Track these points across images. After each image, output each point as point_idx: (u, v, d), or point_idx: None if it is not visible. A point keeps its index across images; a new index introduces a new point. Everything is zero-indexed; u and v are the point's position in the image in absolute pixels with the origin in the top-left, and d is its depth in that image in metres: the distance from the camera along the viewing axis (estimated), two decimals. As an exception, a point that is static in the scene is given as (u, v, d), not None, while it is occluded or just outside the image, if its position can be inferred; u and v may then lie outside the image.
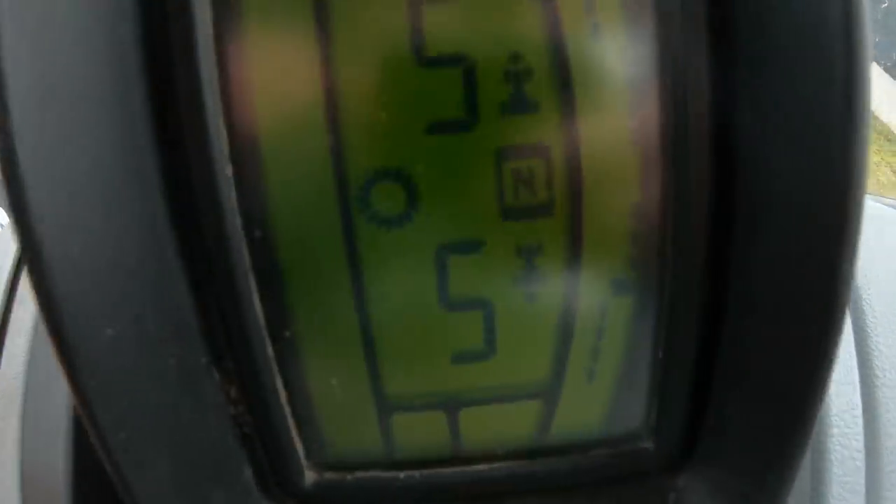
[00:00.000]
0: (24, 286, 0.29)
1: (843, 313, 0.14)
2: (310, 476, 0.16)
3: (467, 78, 0.13)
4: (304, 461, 0.16)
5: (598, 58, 0.13)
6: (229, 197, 0.13)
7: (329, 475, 0.16)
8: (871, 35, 0.13)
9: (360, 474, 0.16)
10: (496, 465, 0.16)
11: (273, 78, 0.13)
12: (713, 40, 0.13)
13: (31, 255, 0.12)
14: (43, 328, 0.22)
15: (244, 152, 0.13)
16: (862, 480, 0.21)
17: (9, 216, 0.13)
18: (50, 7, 0.12)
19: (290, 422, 0.15)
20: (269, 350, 0.14)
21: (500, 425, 0.16)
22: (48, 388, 0.24)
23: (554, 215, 0.14)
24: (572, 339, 0.15)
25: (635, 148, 0.14)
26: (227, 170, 0.13)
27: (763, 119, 0.13)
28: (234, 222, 0.13)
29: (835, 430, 0.21)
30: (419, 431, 0.16)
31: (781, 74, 0.13)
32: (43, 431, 0.21)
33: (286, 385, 0.15)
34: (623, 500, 0.17)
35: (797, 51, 0.13)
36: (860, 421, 0.22)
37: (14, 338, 0.28)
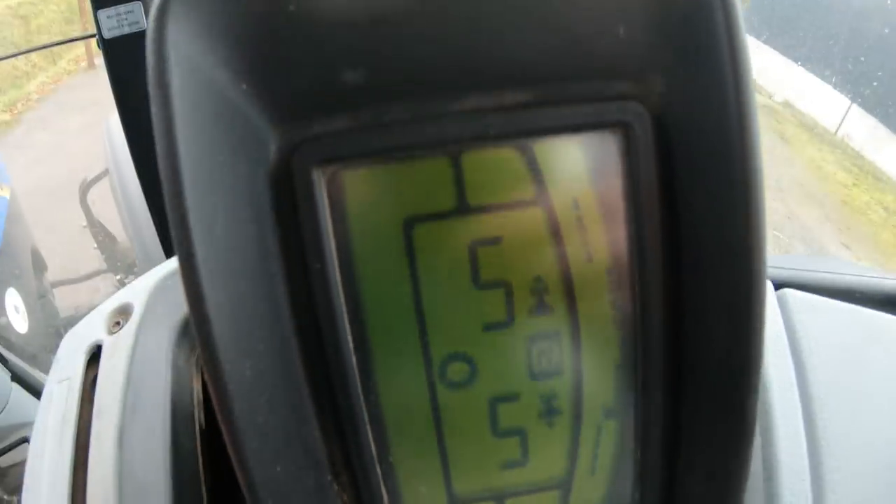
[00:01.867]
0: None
1: (754, 407, 0.21)
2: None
3: (507, 294, 0.20)
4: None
5: (590, 277, 0.20)
6: (354, 378, 0.20)
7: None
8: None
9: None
10: None
11: (381, 303, 0.20)
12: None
13: (222, 417, 0.19)
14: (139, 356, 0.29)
15: (364, 351, 0.20)
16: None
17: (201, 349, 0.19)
18: (235, 247, 0.18)
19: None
20: (378, 470, 0.21)
21: (532, 508, 0.23)
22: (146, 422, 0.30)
23: (563, 375, 0.21)
24: (579, 449, 0.22)
25: (615, 325, 0.21)
26: (353, 359, 0.20)
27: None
28: (357, 392, 0.20)
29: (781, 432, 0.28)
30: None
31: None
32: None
33: (389, 494, 0.22)
34: None
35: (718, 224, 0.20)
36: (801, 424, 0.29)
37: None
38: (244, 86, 0.18)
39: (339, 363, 0.20)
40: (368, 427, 0.21)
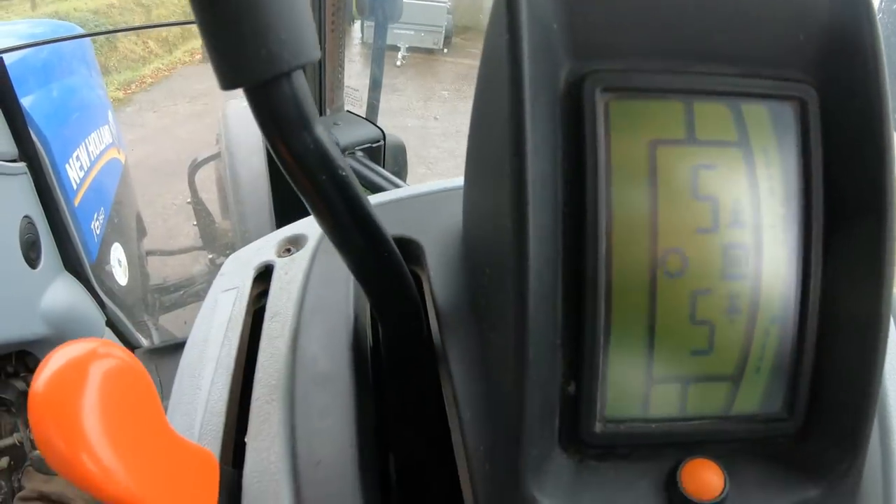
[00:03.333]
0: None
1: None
2: (598, 426, 0.27)
3: (714, 207, 0.27)
4: (598, 415, 0.27)
5: (771, 204, 0.27)
6: (599, 257, 0.26)
7: (610, 426, 0.27)
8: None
9: (627, 426, 0.27)
10: (697, 422, 0.28)
11: (627, 200, 0.26)
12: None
13: (519, 272, 0.25)
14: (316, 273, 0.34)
15: (609, 236, 0.26)
16: None
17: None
18: (542, 136, 0.25)
19: (598, 388, 0.27)
20: (600, 339, 0.26)
21: (706, 396, 0.28)
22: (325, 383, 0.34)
23: (745, 279, 0.27)
24: (751, 346, 0.28)
25: (786, 245, 0.27)
26: (603, 242, 0.26)
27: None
28: (601, 270, 0.26)
29: None
30: (666, 399, 0.27)
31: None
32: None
33: (602, 363, 0.27)
34: (771, 453, 0.28)
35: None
36: None
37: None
38: (555, 25, 0.26)
39: (591, 244, 0.26)
40: (602, 300, 0.26)
